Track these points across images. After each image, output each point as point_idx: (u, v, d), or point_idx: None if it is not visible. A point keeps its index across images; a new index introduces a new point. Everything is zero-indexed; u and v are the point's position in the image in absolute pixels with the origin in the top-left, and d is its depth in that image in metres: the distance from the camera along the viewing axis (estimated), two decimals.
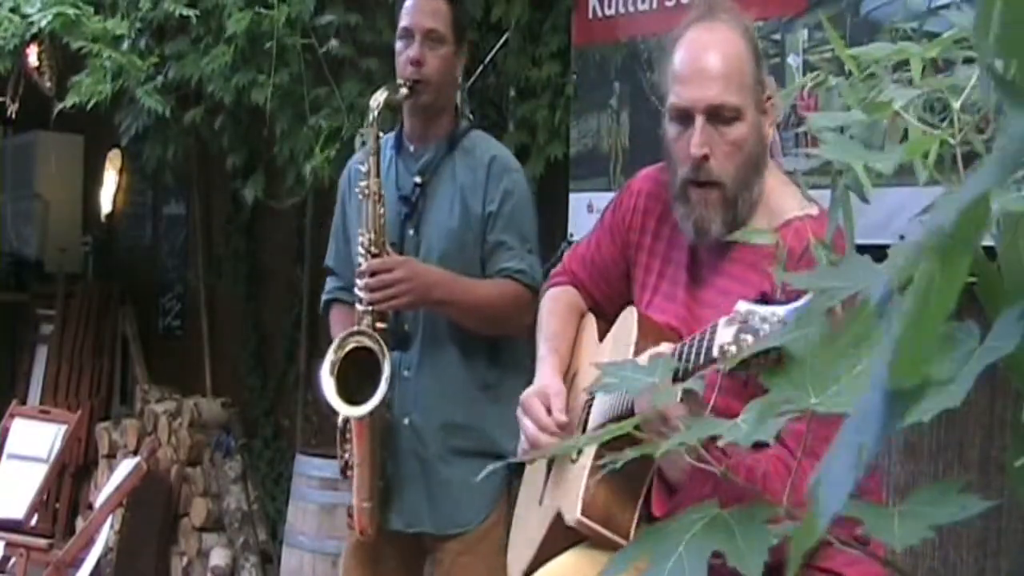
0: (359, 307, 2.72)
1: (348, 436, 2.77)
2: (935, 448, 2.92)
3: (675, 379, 1.64)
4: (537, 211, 4.02)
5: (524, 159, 3.98)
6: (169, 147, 4.82)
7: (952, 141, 0.87)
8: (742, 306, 1.57)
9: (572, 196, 3.84)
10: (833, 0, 2.98)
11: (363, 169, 2.75)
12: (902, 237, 2.67)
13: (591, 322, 2.20)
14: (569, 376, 2.13)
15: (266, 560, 5.35)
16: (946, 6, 2.59)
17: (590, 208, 3.76)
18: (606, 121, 3.73)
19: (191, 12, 4.23)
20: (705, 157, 1.87)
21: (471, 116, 4.14)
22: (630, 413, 1.79)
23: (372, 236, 2.71)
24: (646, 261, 2.07)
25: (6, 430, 5.00)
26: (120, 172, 6.81)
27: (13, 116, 5.07)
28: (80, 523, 5.56)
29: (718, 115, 1.87)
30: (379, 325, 2.71)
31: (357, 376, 2.70)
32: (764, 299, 1.61)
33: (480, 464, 2.81)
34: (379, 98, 2.73)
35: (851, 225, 0.94)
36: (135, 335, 6.60)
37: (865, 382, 0.82)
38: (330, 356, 2.71)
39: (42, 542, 4.50)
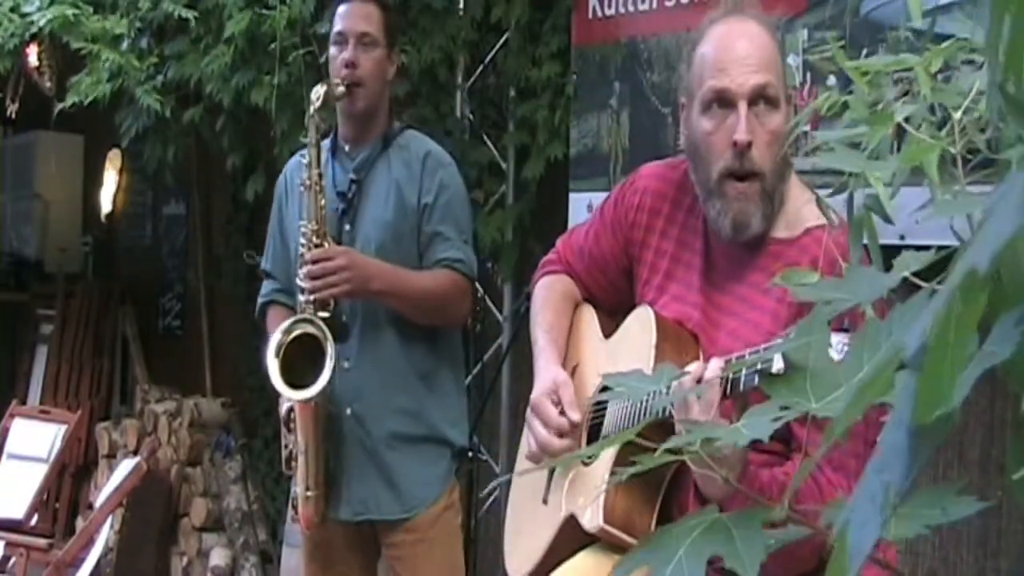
0: (301, 297, 2.77)
1: (292, 427, 2.82)
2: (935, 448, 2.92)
3: (725, 395, 1.62)
4: (537, 211, 4.05)
5: (524, 159, 3.99)
6: (169, 147, 4.82)
7: (953, 150, 0.87)
8: None
9: (572, 196, 3.84)
10: (833, 0, 2.98)
11: (304, 161, 2.81)
12: (903, 237, 2.67)
13: (590, 313, 2.17)
14: (569, 368, 2.11)
15: (266, 560, 5.35)
16: (947, 7, 2.59)
17: (590, 208, 3.76)
18: (606, 121, 3.73)
19: (190, 14, 4.23)
20: (749, 144, 1.82)
21: (471, 116, 4.15)
22: (662, 421, 1.73)
23: (314, 226, 2.77)
24: (652, 260, 2.04)
25: (6, 430, 5.00)
26: (120, 172, 6.81)
27: (13, 116, 5.07)
28: (80, 523, 5.56)
29: (761, 101, 1.83)
30: (321, 314, 2.76)
31: (301, 364, 2.74)
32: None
33: (424, 449, 2.88)
34: (319, 91, 2.80)
35: (876, 247, 0.93)
36: (135, 335, 6.60)
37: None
38: (276, 339, 2.77)
39: (42, 542, 4.50)
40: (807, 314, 1.68)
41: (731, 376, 1.61)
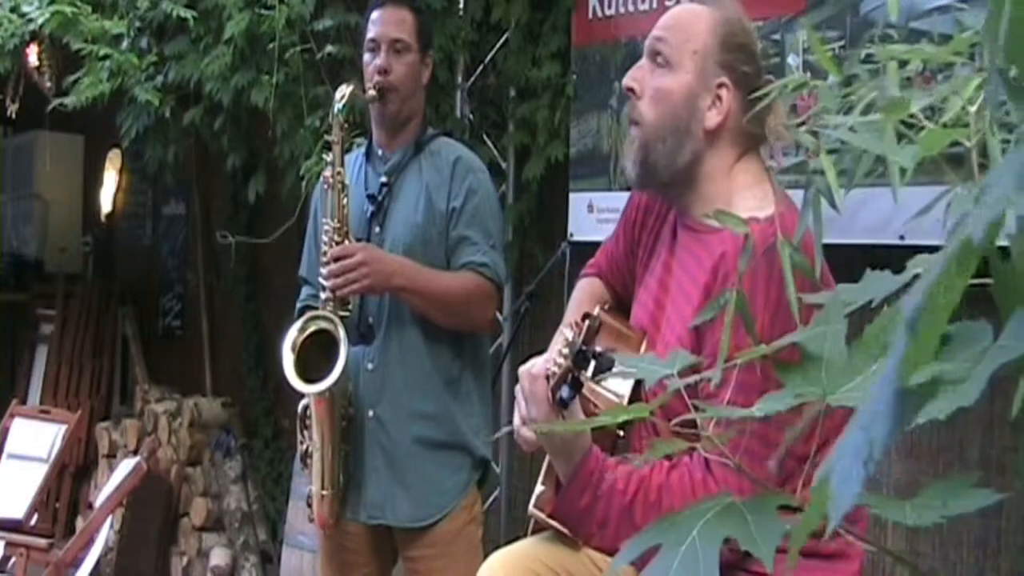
0: (323, 295, 2.77)
1: (308, 423, 2.81)
2: (935, 448, 2.92)
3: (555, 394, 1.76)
4: (537, 211, 4.05)
5: (524, 159, 3.99)
6: (169, 147, 4.82)
7: (967, 143, 0.87)
8: (567, 332, 1.75)
9: (572, 196, 3.84)
10: (833, 0, 2.98)
11: (327, 159, 2.81)
12: (902, 237, 2.67)
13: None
14: None
15: (266, 560, 5.35)
16: (946, 7, 2.59)
17: (590, 208, 3.76)
18: (606, 121, 3.73)
19: (189, 14, 4.23)
20: (631, 90, 1.95)
21: (471, 116, 4.15)
22: None
23: (336, 225, 2.77)
24: (641, 255, 2.11)
25: (6, 430, 5.00)
26: (120, 172, 6.82)
27: (13, 116, 5.07)
28: (80, 523, 5.57)
29: (655, 56, 1.95)
30: (341, 313, 2.76)
31: (318, 361, 2.73)
32: (585, 317, 1.77)
33: (444, 456, 2.86)
34: (344, 91, 2.80)
35: (819, 228, 0.96)
36: (135, 335, 6.60)
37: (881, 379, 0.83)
38: (291, 335, 2.77)
39: (42, 542, 4.50)
40: (711, 300, 1.74)
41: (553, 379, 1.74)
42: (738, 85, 1.92)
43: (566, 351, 1.68)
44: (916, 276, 0.84)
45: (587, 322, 1.74)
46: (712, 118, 1.92)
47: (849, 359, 0.89)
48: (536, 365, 1.79)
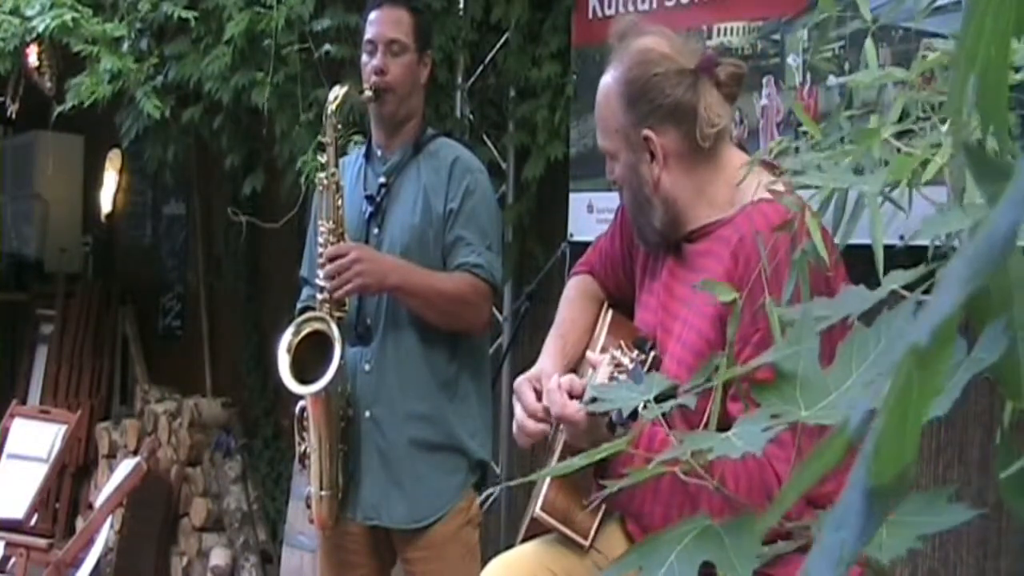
0: (319, 296, 2.77)
1: (305, 424, 2.82)
2: (935, 448, 2.92)
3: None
4: (537, 211, 4.05)
5: (524, 159, 3.99)
6: (169, 147, 4.82)
7: (940, 160, 0.88)
8: (615, 353, 1.79)
9: (572, 196, 3.84)
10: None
11: (322, 160, 2.81)
12: (902, 237, 2.67)
13: (608, 311, 2.24)
14: (577, 362, 2.15)
15: (266, 560, 5.35)
16: (946, 6, 2.58)
17: (590, 208, 3.77)
18: None
19: (190, 15, 4.23)
20: (615, 181, 2.06)
21: (471, 116, 4.15)
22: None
23: (331, 226, 2.77)
24: (641, 257, 2.12)
25: (6, 430, 5.00)
26: (120, 172, 6.82)
27: (13, 116, 5.07)
28: (80, 523, 5.56)
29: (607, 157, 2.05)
30: (337, 314, 2.76)
31: (315, 362, 2.73)
32: (639, 343, 1.81)
33: (440, 458, 2.86)
34: (338, 92, 2.81)
35: (807, 290, 0.96)
36: (135, 335, 6.60)
37: (856, 395, 0.83)
38: (287, 337, 2.77)
39: (42, 542, 4.50)
40: (736, 284, 1.75)
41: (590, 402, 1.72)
42: (661, 122, 1.94)
43: (623, 378, 1.70)
44: (892, 292, 0.84)
45: (652, 352, 1.75)
46: (655, 170, 1.96)
47: (823, 376, 0.89)
48: (552, 380, 1.84)
